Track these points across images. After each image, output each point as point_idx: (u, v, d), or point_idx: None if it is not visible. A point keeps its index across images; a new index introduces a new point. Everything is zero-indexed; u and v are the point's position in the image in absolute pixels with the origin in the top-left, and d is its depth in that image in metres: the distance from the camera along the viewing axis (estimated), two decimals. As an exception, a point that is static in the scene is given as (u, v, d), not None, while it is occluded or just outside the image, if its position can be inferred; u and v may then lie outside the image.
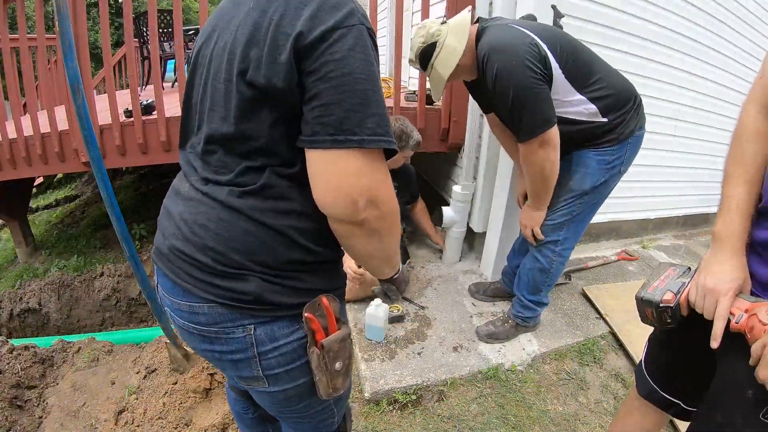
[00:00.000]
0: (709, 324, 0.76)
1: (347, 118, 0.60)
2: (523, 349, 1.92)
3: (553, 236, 1.72)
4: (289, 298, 0.72)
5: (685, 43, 2.62)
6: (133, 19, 2.76)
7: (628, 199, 2.89)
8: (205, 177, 0.72)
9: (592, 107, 1.49)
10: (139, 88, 2.50)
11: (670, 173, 3.01)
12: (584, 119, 1.53)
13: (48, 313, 2.93)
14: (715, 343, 0.75)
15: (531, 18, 1.89)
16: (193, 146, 0.76)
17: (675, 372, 1.02)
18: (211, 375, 1.70)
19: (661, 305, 0.89)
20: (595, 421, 1.67)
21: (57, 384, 1.95)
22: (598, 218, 2.82)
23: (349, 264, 2.04)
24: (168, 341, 1.66)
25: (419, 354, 1.86)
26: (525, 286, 1.87)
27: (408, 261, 2.48)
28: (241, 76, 0.63)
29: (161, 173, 4.62)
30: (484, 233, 2.40)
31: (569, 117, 1.51)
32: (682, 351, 0.99)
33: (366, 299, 2.14)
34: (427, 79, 1.64)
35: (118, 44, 12.64)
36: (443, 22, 1.55)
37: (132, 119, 2.30)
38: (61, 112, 2.42)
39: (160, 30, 3.97)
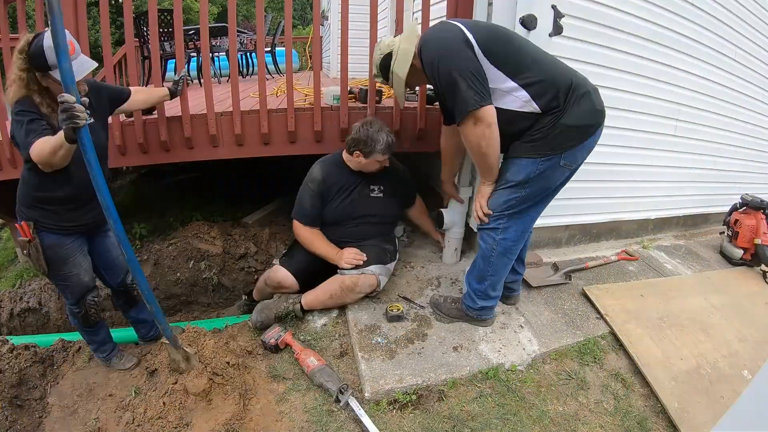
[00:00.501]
0: None
1: None
2: (523, 349, 1.92)
3: (493, 223, 1.75)
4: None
5: (685, 43, 2.61)
6: (133, 18, 2.75)
7: (628, 199, 2.89)
8: None
9: (524, 94, 1.53)
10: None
11: (670, 173, 3.00)
12: (518, 109, 1.56)
13: (48, 312, 2.93)
14: None
15: (531, 18, 1.89)
16: None
17: None
18: (212, 375, 1.70)
19: None
20: (595, 421, 1.67)
21: (57, 383, 1.95)
22: (598, 218, 2.85)
23: (348, 254, 2.10)
24: (167, 341, 1.66)
25: (419, 354, 1.86)
26: (473, 274, 1.90)
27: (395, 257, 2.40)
28: None
29: (161, 173, 4.62)
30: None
31: (504, 107, 1.55)
32: None
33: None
34: (391, 86, 1.80)
35: (118, 43, 12.62)
36: (395, 36, 1.75)
37: (132, 119, 2.30)
38: (61, 112, 2.42)
39: (161, 30, 3.97)
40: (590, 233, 2.89)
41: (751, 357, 2.09)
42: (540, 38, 1.93)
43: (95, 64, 1.59)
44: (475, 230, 1.86)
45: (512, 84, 1.53)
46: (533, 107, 1.54)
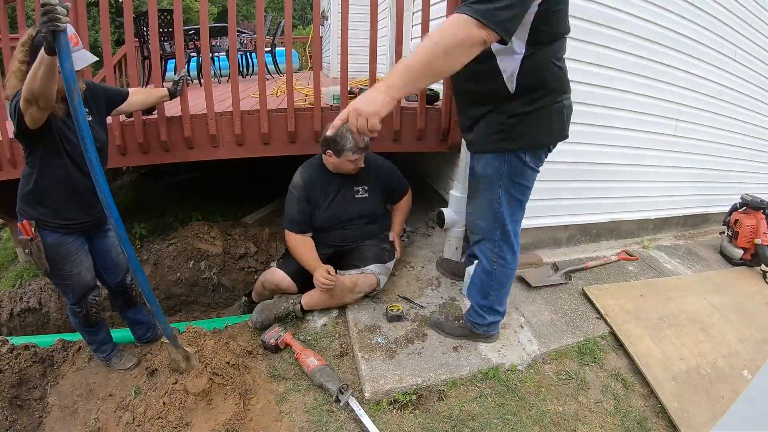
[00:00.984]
0: None
1: None
2: (523, 349, 1.92)
3: (488, 235, 1.69)
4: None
5: (685, 43, 2.61)
6: (133, 18, 2.75)
7: (628, 199, 2.89)
8: None
9: (515, 67, 1.36)
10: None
11: (670, 173, 3.00)
12: (500, 78, 1.40)
13: (48, 312, 2.93)
14: None
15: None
16: None
17: None
18: (212, 375, 1.70)
19: None
20: (595, 421, 1.67)
21: (57, 383, 1.95)
22: (598, 218, 2.85)
23: (319, 274, 2.03)
24: (167, 341, 1.66)
25: (419, 354, 1.86)
26: (476, 288, 1.84)
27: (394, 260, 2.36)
28: None
29: (161, 173, 4.62)
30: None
31: (496, 58, 1.37)
32: None
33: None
34: None
35: (118, 43, 12.62)
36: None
37: (132, 119, 2.30)
38: (61, 112, 2.42)
39: (161, 30, 3.96)
40: (590, 233, 2.89)
41: (751, 357, 2.09)
42: (540, 38, 1.93)
43: (95, 58, 1.60)
44: (471, 244, 1.79)
45: (522, 47, 1.33)
46: (510, 84, 1.40)
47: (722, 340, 2.15)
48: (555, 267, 2.49)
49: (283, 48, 5.82)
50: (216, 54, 4.83)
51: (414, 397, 1.69)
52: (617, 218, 2.93)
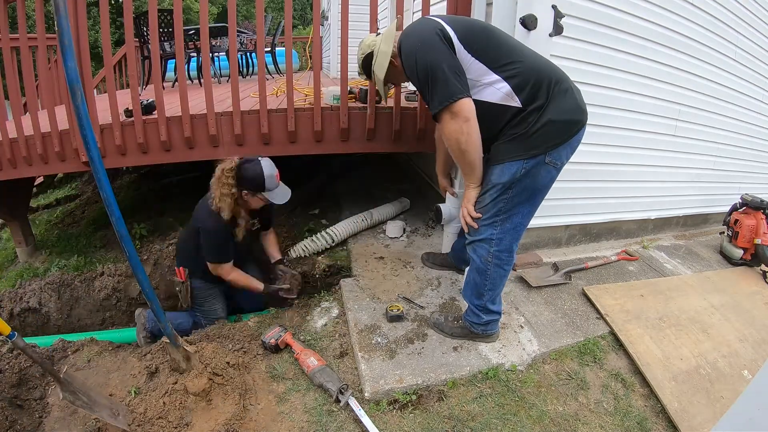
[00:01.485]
0: None
1: None
2: (523, 349, 1.92)
3: (485, 234, 1.69)
4: None
5: (685, 43, 2.62)
6: (133, 18, 2.75)
7: (628, 199, 2.89)
8: None
9: (506, 86, 1.50)
10: (139, 88, 2.50)
11: (670, 173, 3.01)
12: (498, 101, 1.53)
13: (48, 312, 2.93)
14: None
15: (531, 18, 1.89)
16: None
17: None
18: (212, 375, 1.70)
19: None
20: (595, 421, 1.67)
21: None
22: (598, 218, 2.85)
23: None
24: (168, 341, 1.66)
25: (419, 354, 1.86)
26: (469, 288, 1.85)
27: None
28: None
29: (161, 173, 4.62)
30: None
31: (484, 100, 1.53)
32: None
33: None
34: (374, 83, 1.82)
35: (118, 43, 12.63)
36: (377, 34, 1.75)
37: (132, 119, 2.30)
38: (61, 112, 2.42)
39: (161, 30, 3.97)
40: (590, 233, 2.89)
41: (751, 357, 2.09)
42: (540, 38, 1.93)
43: (290, 192, 2.15)
44: (466, 243, 1.80)
45: (494, 76, 1.51)
46: (515, 101, 1.51)
47: (722, 340, 2.15)
48: (555, 267, 2.49)
49: (283, 48, 5.83)
50: (216, 54, 4.84)
51: (414, 397, 1.69)
52: (617, 218, 2.93)
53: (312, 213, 3.39)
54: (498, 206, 1.63)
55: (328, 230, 2.86)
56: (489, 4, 2.02)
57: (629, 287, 2.41)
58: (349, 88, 2.51)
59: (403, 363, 1.81)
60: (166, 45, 4.19)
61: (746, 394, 0.86)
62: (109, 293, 2.96)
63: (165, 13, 3.93)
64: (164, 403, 1.65)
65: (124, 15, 2.29)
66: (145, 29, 4.06)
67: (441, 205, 2.37)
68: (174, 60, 2.75)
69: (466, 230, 1.76)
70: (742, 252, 2.89)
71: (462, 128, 1.50)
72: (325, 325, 2.11)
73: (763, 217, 2.85)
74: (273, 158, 2.53)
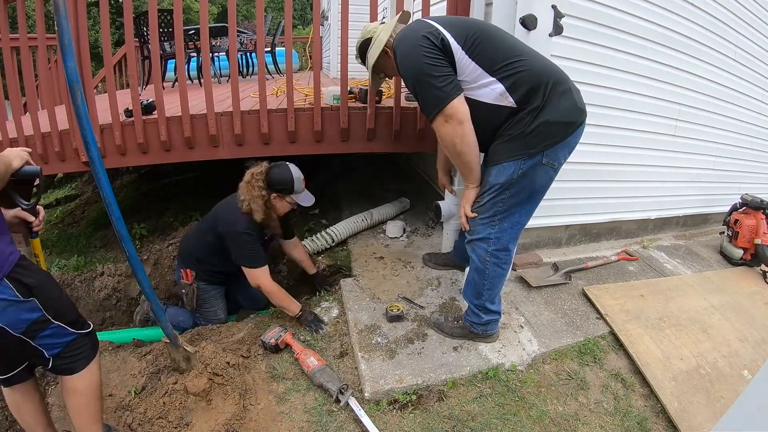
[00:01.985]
0: None
1: None
2: (523, 349, 1.92)
3: (483, 233, 1.70)
4: None
5: (685, 43, 2.62)
6: (133, 18, 2.75)
7: (628, 199, 2.89)
8: None
9: (500, 86, 1.51)
10: (139, 88, 2.50)
11: (670, 173, 3.01)
12: (491, 101, 1.54)
13: (48, 312, 2.93)
14: None
15: (531, 18, 1.89)
16: None
17: None
18: (212, 375, 1.70)
19: None
20: (595, 421, 1.67)
21: (57, 383, 1.95)
22: (598, 218, 2.85)
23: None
24: (168, 341, 1.66)
25: (419, 354, 1.86)
26: (470, 288, 1.86)
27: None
28: None
29: (161, 173, 4.62)
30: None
31: (477, 99, 1.54)
32: None
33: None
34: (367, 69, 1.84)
35: (118, 43, 12.63)
36: (381, 23, 1.76)
37: (132, 119, 2.30)
38: (61, 112, 2.42)
39: (161, 30, 3.97)
40: (590, 233, 2.89)
41: (751, 357, 2.09)
42: (540, 38, 1.93)
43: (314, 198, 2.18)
44: (466, 241, 1.80)
45: (489, 78, 1.51)
46: (508, 101, 1.52)
47: (722, 340, 2.15)
48: (555, 267, 2.49)
49: (283, 48, 5.83)
50: (216, 54, 4.84)
51: (414, 397, 1.69)
52: (617, 218, 2.93)
53: (312, 213, 3.39)
54: (496, 206, 1.64)
55: (328, 230, 2.86)
56: (488, 4, 2.02)
57: (629, 287, 2.41)
58: (349, 88, 2.51)
59: (403, 363, 1.81)
60: (166, 45, 4.19)
61: (746, 394, 0.86)
62: (109, 293, 2.96)
63: (165, 13, 3.93)
64: (164, 403, 1.65)
65: (124, 15, 2.29)
66: (145, 29, 4.06)
67: (440, 203, 2.37)
68: (174, 60, 2.75)
69: (465, 229, 1.77)
70: (742, 252, 2.89)
71: (456, 131, 1.52)
72: (325, 325, 2.11)
73: (763, 217, 2.85)
74: (272, 158, 2.54)
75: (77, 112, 1.27)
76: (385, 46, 1.68)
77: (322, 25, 6.54)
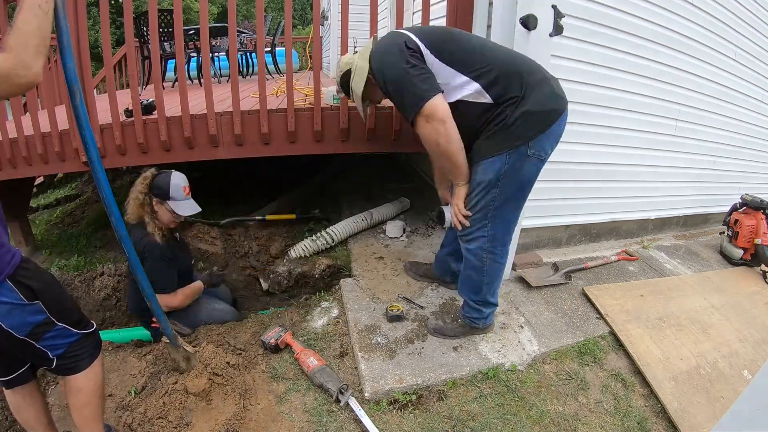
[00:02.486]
0: None
1: None
2: (523, 349, 1.92)
3: (477, 231, 1.70)
4: None
5: (685, 43, 2.62)
6: (133, 18, 2.75)
7: (628, 199, 2.89)
8: None
9: (476, 85, 1.53)
10: (139, 88, 2.50)
11: (671, 173, 3.01)
12: (470, 101, 1.55)
13: (48, 312, 2.93)
14: None
15: (531, 18, 1.89)
16: None
17: None
18: (212, 375, 1.70)
19: None
20: (595, 421, 1.67)
21: (57, 383, 1.95)
22: (598, 218, 2.85)
23: None
24: (168, 341, 1.66)
25: (419, 354, 1.86)
26: (467, 287, 1.86)
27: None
28: None
29: (161, 173, 4.62)
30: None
31: (456, 100, 1.55)
32: None
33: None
34: (352, 101, 1.84)
35: (118, 43, 12.63)
36: (354, 52, 1.77)
37: (132, 119, 2.30)
38: (61, 112, 2.42)
39: (161, 30, 3.97)
40: (590, 233, 2.89)
41: (751, 357, 2.09)
42: (540, 38, 1.93)
43: (199, 209, 2.08)
44: (461, 242, 1.80)
45: (463, 78, 1.53)
46: (485, 98, 1.53)
47: (722, 340, 2.15)
48: (555, 267, 2.49)
49: (283, 48, 5.83)
50: (216, 54, 4.84)
51: (414, 397, 1.69)
52: (617, 218, 2.93)
53: (312, 213, 3.39)
54: (487, 203, 1.64)
55: (328, 230, 2.86)
56: (490, 4, 2.02)
57: (629, 287, 2.41)
58: (349, 88, 2.51)
59: (403, 363, 1.81)
60: (166, 45, 4.19)
61: (746, 394, 0.86)
62: (109, 293, 2.96)
63: (165, 13, 3.93)
64: (164, 403, 1.65)
65: (124, 15, 2.29)
66: (145, 29, 4.06)
67: (444, 208, 2.36)
68: (174, 60, 2.75)
69: (458, 228, 1.76)
70: (742, 252, 2.89)
71: (439, 130, 1.52)
72: (326, 325, 2.11)
73: (763, 217, 2.85)
74: (273, 158, 2.54)
75: (76, 112, 1.27)
76: (368, 73, 1.67)
77: (322, 25, 6.54)
